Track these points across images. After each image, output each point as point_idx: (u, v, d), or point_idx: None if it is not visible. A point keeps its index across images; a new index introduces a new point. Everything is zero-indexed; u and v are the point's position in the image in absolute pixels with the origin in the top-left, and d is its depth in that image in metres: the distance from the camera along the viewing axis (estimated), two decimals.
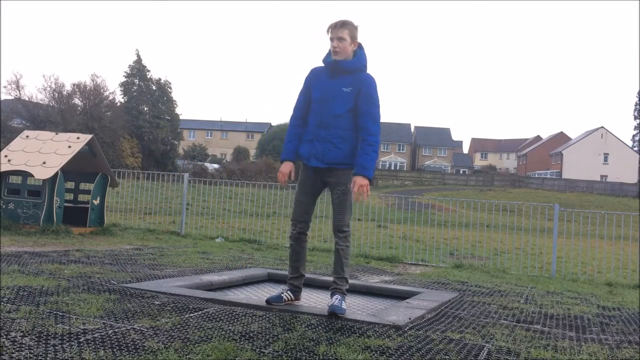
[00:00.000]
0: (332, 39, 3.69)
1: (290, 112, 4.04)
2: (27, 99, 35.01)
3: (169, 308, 3.51)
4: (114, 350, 2.46)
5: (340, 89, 3.69)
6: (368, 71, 3.85)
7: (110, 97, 38.41)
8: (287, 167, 3.82)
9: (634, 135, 70.46)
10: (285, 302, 3.80)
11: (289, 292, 3.85)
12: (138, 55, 41.47)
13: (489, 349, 3.06)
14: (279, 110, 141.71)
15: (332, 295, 3.73)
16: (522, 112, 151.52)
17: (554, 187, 54.32)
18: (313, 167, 3.78)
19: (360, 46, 3.80)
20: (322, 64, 3.87)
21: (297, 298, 3.93)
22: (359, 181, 3.63)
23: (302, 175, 3.89)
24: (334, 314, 3.54)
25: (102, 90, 37.35)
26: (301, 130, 3.85)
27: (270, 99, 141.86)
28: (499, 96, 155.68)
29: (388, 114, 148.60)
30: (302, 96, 3.91)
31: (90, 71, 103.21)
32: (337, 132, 3.71)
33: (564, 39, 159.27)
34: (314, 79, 3.84)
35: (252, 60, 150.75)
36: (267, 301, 3.78)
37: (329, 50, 3.77)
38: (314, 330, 3.18)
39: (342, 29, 3.66)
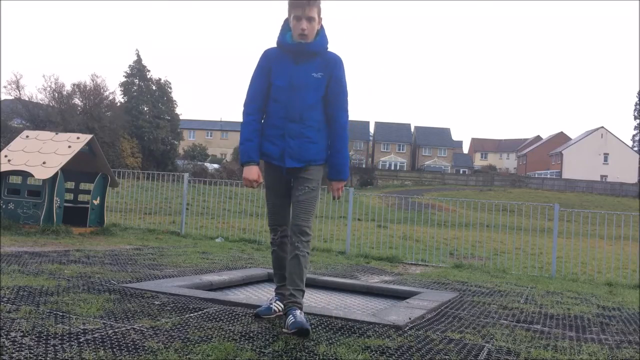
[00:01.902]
0: (298, 18, 3.13)
1: None
2: (27, 99, 35.01)
3: (169, 308, 3.51)
4: (114, 350, 2.46)
5: (310, 75, 3.19)
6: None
7: (110, 97, 38.42)
8: (253, 173, 3.23)
9: (634, 135, 70.51)
10: (276, 313, 3.40)
11: (277, 302, 3.43)
12: (138, 55, 41.47)
13: (489, 349, 3.06)
14: None
15: (289, 311, 3.15)
16: (522, 112, 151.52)
17: (554, 187, 54.32)
18: (287, 167, 3.26)
19: (322, 27, 3.30)
20: (277, 46, 3.29)
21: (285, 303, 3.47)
22: (337, 185, 3.36)
23: (270, 177, 3.39)
24: (302, 330, 2.97)
25: (102, 90, 37.35)
26: (260, 126, 3.29)
27: None
28: (499, 96, 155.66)
29: (388, 114, 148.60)
30: (259, 84, 3.28)
31: (90, 71, 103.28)
32: (312, 125, 3.23)
33: (564, 38, 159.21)
34: (275, 64, 3.24)
35: (252, 60, 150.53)
36: (257, 315, 3.39)
37: (286, 31, 3.24)
38: (314, 330, 3.18)
39: (312, 8, 3.13)
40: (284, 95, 3.22)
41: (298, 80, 3.20)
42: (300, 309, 3.18)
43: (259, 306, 3.74)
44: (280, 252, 3.45)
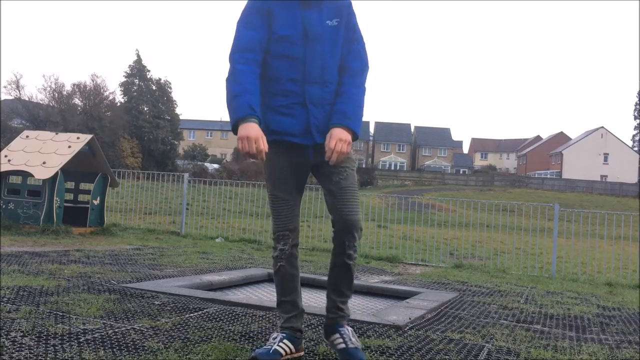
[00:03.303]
0: None
1: None
2: (27, 99, 35.05)
3: (169, 308, 3.51)
4: (114, 350, 2.46)
5: (324, 23, 2.47)
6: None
7: (110, 97, 38.47)
8: (253, 130, 2.27)
9: (634, 135, 70.49)
10: (284, 356, 2.49)
11: (285, 341, 2.50)
12: (138, 55, 41.50)
13: (489, 349, 3.06)
14: None
15: (337, 328, 2.53)
16: (522, 112, 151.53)
17: (554, 187, 54.32)
18: (311, 145, 2.48)
19: None
20: None
21: (299, 348, 2.60)
22: (338, 134, 2.37)
23: (276, 165, 2.53)
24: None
25: (102, 90, 37.40)
26: (259, 82, 2.41)
27: None
28: (499, 96, 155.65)
29: (388, 114, 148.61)
30: (257, 25, 2.42)
31: (90, 71, 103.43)
32: (334, 88, 2.52)
33: (564, 38, 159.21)
34: (277, 6, 2.43)
35: None
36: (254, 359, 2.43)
37: None
38: (314, 330, 3.18)
39: None
40: (297, 49, 2.43)
41: (312, 28, 2.45)
42: (348, 319, 2.63)
43: (259, 306, 3.74)
44: (289, 269, 2.57)
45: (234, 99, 2.34)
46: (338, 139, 2.37)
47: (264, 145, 2.27)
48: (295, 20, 2.44)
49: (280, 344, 2.49)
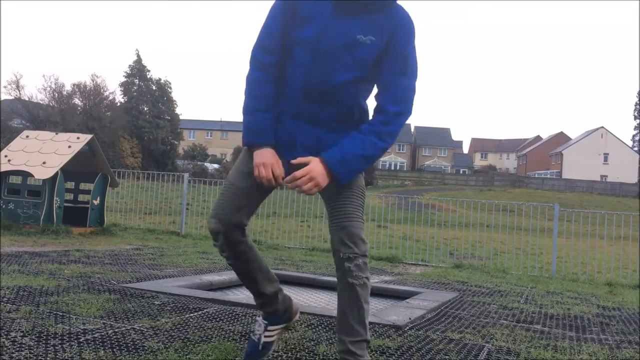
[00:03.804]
0: None
1: None
2: (27, 99, 35.06)
3: (169, 308, 3.51)
4: (114, 350, 2.46)
5: (354, 37, 2.02)
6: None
7: (110, 97, 38.49)
8: (270, 156, 2.09)
9: (634, 135, 70.51)
10: (276, 340, 2.45)
11: (270, 327, 2.40)
12: (138, 55, 41.53)
13: (489, 349, 3.06)
14: None
15: None
16: (522, 112, 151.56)
17: (554, 187, 54.32)
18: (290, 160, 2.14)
19: None
20: None
21: (290, 316, 2.51)
22: (316, 171, 2.00)
23: (250, 162, 2.17)
24: None
25: (102, 90, 37.41)
26: (275, 91, 2.13)
27: None
28: (499, 96, 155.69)
29: None
30: (277, 25, 2.11)
31: (90, 71, 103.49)
32: (339, 111, 2.13)
33: (564, 39, 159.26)
34: (308, 2, 2.05)
35: None
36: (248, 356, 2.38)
37: None
38: (314, 330, 3.18)
39: None
40: (308, 56, 2.07)
41: (334, 39, 2.03)
42: None
43: None
44: (240, 265, 2.29)
45: (248, 115, 2.14)
46: (310, 176, 2.00)
47: (280, 170, 2.09)
48: (320, 25, 2.04)
49: (266, 332, 2.38)
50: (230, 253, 2.23)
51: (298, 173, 2.00)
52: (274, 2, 2.14)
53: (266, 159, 2.08)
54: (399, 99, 2.08)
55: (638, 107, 69.17)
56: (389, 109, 2.07)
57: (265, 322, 2.40)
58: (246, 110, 2.14)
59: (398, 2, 2.11)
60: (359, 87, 2.11)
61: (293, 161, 2.07)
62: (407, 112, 2.10)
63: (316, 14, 2.04)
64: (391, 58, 2.07)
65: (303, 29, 2.06)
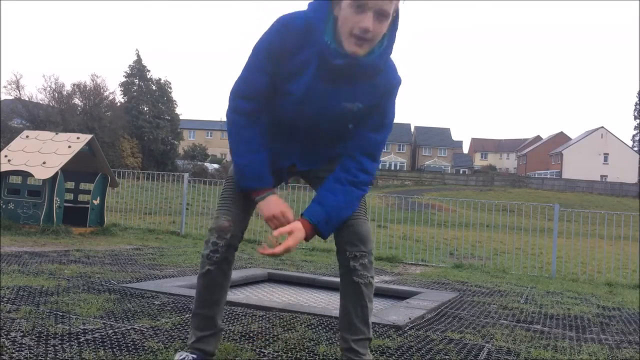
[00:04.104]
0: (361, 9, 1.77)
1: None
2: (27, 99, 35.07)
3: (169, 308, 3.51)
4: (114, 350, 2.46)
5: (340, 103, 1.98)
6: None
7: (110, 97, 38.51)
8: (276, 205, 2.02)
9: (634, 135, 70.52)
10: None
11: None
12: (138, 55, 41.55)
13: (489, 349, 3.06)
14: None
15: None
16: (522, 112, 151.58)
17: (554, 187, 54.31)
18: (287, 167, 2.18)
19: (397, 14, 1.91)
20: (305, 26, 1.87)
21: None
22: (298, 236, 1.96)
23: None
24: None
25: (102, 90, 37.43)
26: (262, 129, 2.05)
27: None
28: (499, 96, 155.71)
29: None
30: (262, 75, 1.96)
31: (90, 71, 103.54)
32: (330, 139, 2.15)
33: (564, 39, 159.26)
34: (294, 58, 1.91)
35: None
36: None
37: (325, 17, 1.85)
38: (314, 330, 3.18)
39: None
40: (290, 104, 2.01)
41: (315, 100, 1.98)
42: None
43: (259, 306, 3.74)
44: (219, 277, 2.09)
45: (239, 157, 2.03)
46: (293, 242, 1.95)
47: (289, 214, 2.02)
48: (308, 88, 1.95)
49: None
50: (222, 258, 2.06)
51: (278, 250, 1.92)
52: (258, 43, 1.96)
53: (275, 211, 2.00)
54: (370, 154, 2.07)
55: (638, 107, 69.18)
56: (361, 160, 2.05)
57: (192, 356, 2.07)
58: (236, 153, 2.03)
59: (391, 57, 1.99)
60: (347, 128, 2.07)
61: (275, 233, 1.97)
62: (376, 163, 2.12)
63: (302, 70, 1.93)
64: (371, 116, 2.03)
65: (288, 82, 1.96)
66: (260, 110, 2.03)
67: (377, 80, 1.96)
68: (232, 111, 2.02)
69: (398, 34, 1.94)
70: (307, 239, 1.99)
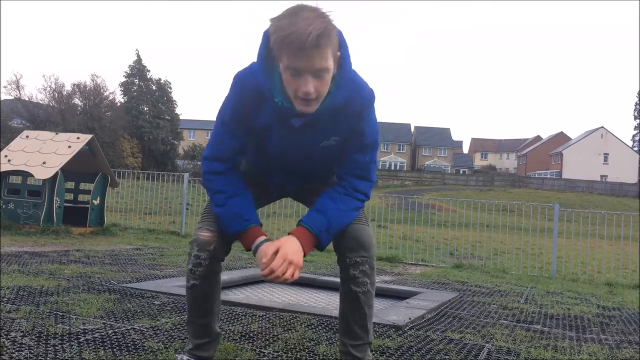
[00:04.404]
0: (297, 73, 1.69)
1: None
2: (27, 99, 35.08)
3: (169, 308, 3.51)
4: (114, 350, 2.46)
5: (317, 145, 1.96)
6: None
7: (110, 97, 38.51)
8: (268, 250, 1.86)
9: (634, 135, 70.56)
10: None
11: None
12: (138, 55, 41.56)
13: (489, 349, 3.06)
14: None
15: None
16: (522, 112, 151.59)
17: (554, 187, 54.31)
18: (291, 191, 2.21)
19: (341, 44, 1.78)
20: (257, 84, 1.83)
21: None
22: (288, 249, 1.84)
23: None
24: None
25: (102, 90, 37.44)
26: (237, 176, 2.01)
27: None
28: (499, 96, 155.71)
29: (388, 114, 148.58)
30: (232, 139, 1.95)
31: (90, 71, 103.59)
32: (317, 177, 2.17)
33: (564, 39, 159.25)
34: (257, 115, 1.89)
35: (252, 60, 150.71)
36: None
37: (269, 72, 1.79)
38: (314, 330, 3.18)
39: (322, 50, 1.65)
40: (269, 152, 2.02)
41: (297, 151, 1.98)
42: None
43: (259, 306, 3.74)
44: (206, 289, 2.03)
45: (218, 208, 1.97)
46: (288, 261, 1.82)
47: (297, 257, 1.88)
48: (279, 140, 1.93)
49: None
50: (205, 272, 1.97)
51: (274, 264, 1.80)
52: (222, 106, 1.95)
53: (267, 256, 1.84)
54: (360, 175, 2.01)
55: (638, 107, 69.20)
56: (353, 183, 2.00)
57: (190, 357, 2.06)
58: (215, 205, 1.98)
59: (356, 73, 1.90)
60: (332, 157, 2.03)
61: (263, 273, 1.84)
62: (370, 182, 2.04)
63: (270, 128, 1.91)
64: (352, 139, 1.97)
65: (262, 139, 1.96)
66: (233, 167, 2.00)
67: (345, 112, 1.89)
68: (206, 173, 1.99)
69: (355, 51, 1.92)
70: (305, 252, 1.87)
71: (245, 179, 2.04)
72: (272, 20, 1.69)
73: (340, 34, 1.76)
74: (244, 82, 1.86)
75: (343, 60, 1.79)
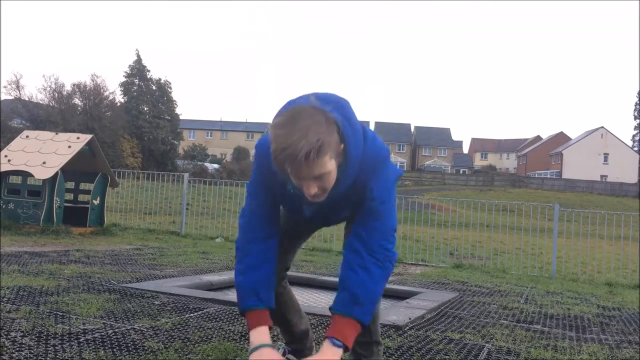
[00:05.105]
0: (298, 178, 1.73)
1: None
2: (27, 99, 35.03)
3: (169, 308, 3.51)
4: (114, 350, 2.46)
5: (336, 215, 2.08)
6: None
7: (110, 97, 38.44)
8: (268, 355, 1.86)
9: (634, 135, 70.52)
10: None
11: (286, 349, 2.40)
12: (138, 55, 41.50)
13: (489, 349, 3.06)
14: (278, 110, 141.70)
15: None
16: (522, 112, 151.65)
17: (554, 187, 54.30)
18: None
19: (344, 134, 1.76)
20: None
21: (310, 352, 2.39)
22: (343, 339, 1.84)
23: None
24: None
25: (102, 90, 37.38)
26: (270, 249, 2.01)
27: (270, 99, 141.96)
28: (499, 96, 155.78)
29: (388, 114, 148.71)
30: (260, 205, 2.01)
31: (90, 71, 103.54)
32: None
33: (564, 38, 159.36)
34: (277, 189, 1.96)
35: (252, 60, 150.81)
36: None
37: (282, 171, 1.75)
38: (314, 330, 3.18)
39: (319, 161, 1.67)
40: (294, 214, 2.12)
41: (317, 219, 2.11)
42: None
43: None
44: (276, 308, 2.08)
45: (238, 276, 1.98)
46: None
47: None
48: (298, 210, 2.01)
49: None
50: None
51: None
52: (251, 180, 2.04)
53: (268, 355, 1.85)
54: (385, 237, 1.94)
55: (638, 107, 69.18)
56: (381, 243, 1.93)
57: (288, 348, 2.39)
58: (238, 272, 1.99)
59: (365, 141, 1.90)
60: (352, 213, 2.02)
61: None
62: (391, 245, 1.95)
63: (292, 202, 2.00)
64: (366, 210, 1.93)
65: (284, 203, 2.06)
66: (273, 235, 2.03)
67: (354, 188, 1.89)
68: (242, 243, 2.02)
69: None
70: (348, 346, 1.86)
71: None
72: (273, 124, 1.73)
73: (342, 119, 1.76)
74: (263, 152, 1.92)
75: (348, 148, 1.78)
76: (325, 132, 1.67)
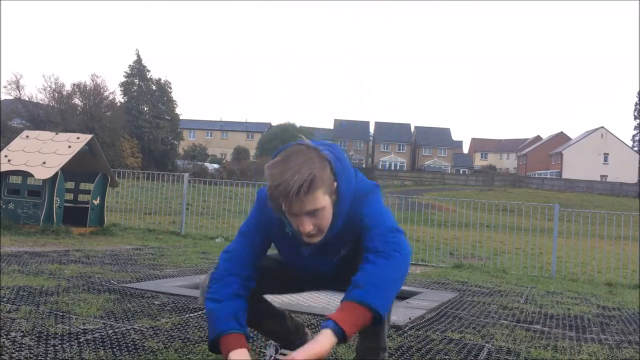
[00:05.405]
0: (292, 215, 1.78)
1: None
2: (27, 99, 35.02)
3: (169, 308, 3.51)
4: (114, 350, 2.46)
5: (330, 261, 2.04)
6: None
7: (110, 97, 38.45)
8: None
9: (634, 135, 70.53)
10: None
11: (277, 346, 2.39)
12: (138, 55, 41.51)
13: (489, 349, 3.06)
14: (279, 110, 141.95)
15: None
16: (522, 112, 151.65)
17: (554, 187, 54.30)
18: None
19: (336, 172, 1.84)
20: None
21: (302, 342, 2.29)
22: (322, 351, 1.68)
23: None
24: None
25: (102, 90, 37.38)
26: (245, 291, 2.00)
27: (270, 99, 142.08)
28: (499, 96, 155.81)
29: (388, 114, 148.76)
30: (257, 242, 2.06)
31: (90, 71, 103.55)
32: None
33: (564, 38, 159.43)
34: (275, 233, 2.03)
35: (252, 60, 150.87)
36: None
37: (281, 213, 1.83)
38: (314, 330, 3.18)
39: (311, 195, 1.73)
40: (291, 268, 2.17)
41: (313, 268, 2.09)
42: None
43: None
44: (250, 316, 2.06)
45: (208, 308, 1.95)
46: (325, 347, 1.69)
47: None
48: (295, 257, 2.06)
49: (278, 355, 2.33)
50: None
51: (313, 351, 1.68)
52: (251, 213, 2.08)
53: None
54: (392, 238, 1.95)
55: (638, 107, 69.19)
56: (377, 246, 1.91)
57: (278, 345, 2.38)
58: (210, 300, 1.97)
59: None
60: (351, 265, 1.95)
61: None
62: (400, 254, 1.95)
63: (288, 248, 2.05)
64: (362, 238, 1.95)
65: (282, 253, 2.14)
66: (248, 278, 2.03)
67: (347, 228, 1.93)
68: (216, 281, 2.03)
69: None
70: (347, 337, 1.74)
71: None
72: (268, 165, 1.80)
73: (334, 157, 1.82)
74: (261, 201, 2.01)
75: (340, 185, 1.84)
76: (318, 167, 1.74)
